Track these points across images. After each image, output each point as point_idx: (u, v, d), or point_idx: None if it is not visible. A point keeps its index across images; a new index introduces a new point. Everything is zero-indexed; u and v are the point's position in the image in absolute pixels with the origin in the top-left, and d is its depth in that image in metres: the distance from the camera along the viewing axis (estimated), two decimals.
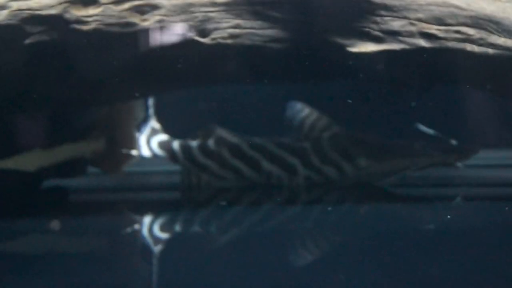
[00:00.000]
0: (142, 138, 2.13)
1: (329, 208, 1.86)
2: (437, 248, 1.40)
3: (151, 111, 2.12)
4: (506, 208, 1.72)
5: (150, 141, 2.15)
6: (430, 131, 2.02)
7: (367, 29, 1.66)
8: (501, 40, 1.63)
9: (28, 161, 1.89)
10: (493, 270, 1.22)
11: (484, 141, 2.31)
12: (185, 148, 2.13)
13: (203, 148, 2.12)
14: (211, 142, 2.12)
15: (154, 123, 2.17)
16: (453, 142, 2.03)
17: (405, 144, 2.07)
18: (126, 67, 1.73)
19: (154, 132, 2.16)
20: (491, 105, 2.00)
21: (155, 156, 2.15)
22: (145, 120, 2.13)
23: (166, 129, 2.18)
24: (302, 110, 2.11)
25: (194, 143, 2.14)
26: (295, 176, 2.08)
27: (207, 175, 2.12)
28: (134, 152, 2.04)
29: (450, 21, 1.64)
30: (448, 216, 1.72)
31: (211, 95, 2.32)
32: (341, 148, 2.07)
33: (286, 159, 2.08)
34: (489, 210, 1.79)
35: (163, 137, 2.16)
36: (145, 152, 2.14)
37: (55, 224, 1.68)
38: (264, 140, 2.12)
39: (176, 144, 2.15)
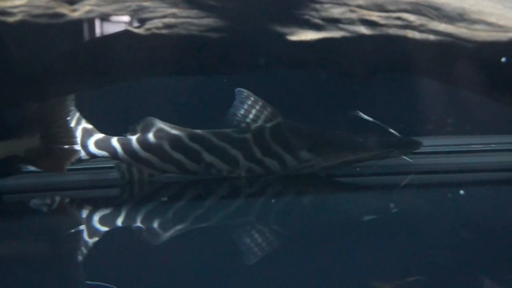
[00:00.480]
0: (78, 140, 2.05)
1: (272, 201, 1.82)
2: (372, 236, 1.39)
3: (77, 113, 2.05)
4: (449, 195, 1.73)
5: (86, 143, 2.07)
6: (369, 119, 1.98)
7: (306, 17, 1.61)
8: (441, 26, 1.61)
9: None
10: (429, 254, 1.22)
11: (427, 128, 2.32)
12: (125, 144, 2.07)
13: (142, 142, 2.06)
14: (150, 135, 2.06)
15: (85, 124, 2.10)
16: (395, 133, 2.00)
17: (347, 137, 2.04)
18: (56, 61, 1.65)
19: (87, 132, 2.09)
20: (434, 92, 1.98)
21: (93, 156, 2.08)
22: (75, 122, 2.06)
23: (99, 127, 2.10)
24: (248, 98, 2.05)
25: (133, 138, 2.07)
26: (237, 168, 2.04)
27: (148, 169, 2.07)
28: (76, 147, 1.95)
29: (390, 7, 1.61)
30: (391, 204, 1.71)
31: (148, 88, 2.25)
32: (283, 140, 2.02)
33: (227, 151, 2.03)
34: (432, 196, 1.79)
35: (99, 136, 2.09)
36: (82, 154, 2.07)
37: None
38: (205, 132, 2.07)
39: (114, 141, 2.08)
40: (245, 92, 2.04)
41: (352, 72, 1.72)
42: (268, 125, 2.04)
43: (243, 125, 2.04)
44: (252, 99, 2.04)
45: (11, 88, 1.70)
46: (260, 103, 2.04)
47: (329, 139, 2.04)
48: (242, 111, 2.04)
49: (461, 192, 1.80)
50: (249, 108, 2.04)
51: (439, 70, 1.70)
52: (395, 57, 1.67)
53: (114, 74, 1.75)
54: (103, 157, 2.08)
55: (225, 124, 2.04)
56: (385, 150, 1.98)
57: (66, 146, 1.92)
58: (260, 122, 2.05)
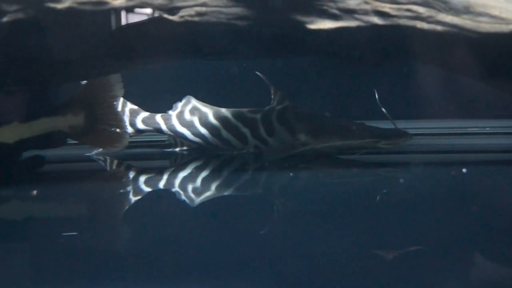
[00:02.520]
0: (126, 120, 2.34)
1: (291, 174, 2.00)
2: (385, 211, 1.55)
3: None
4: (452, 172, 1.88)
5: (134, 121, 2.37)
6: (380, 105, 2.14)
7: (325, 7, 1.77)
8: (448, 18, 1.76)
9: (7, 134, 1.99)
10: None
11: (433, 112, 2.49)
12: (166, 119, 2.36)
13: (180, 117, 2.34)
14: (186, 112, 2.33)
15: (130, 106, 2.38)
16: (394, 123, 2.17)
17: (343, 125, 2.21)
18: (99, 44, 1.83)
19: (134, 112, 2.38)
20: (440, 79, 2.13)
21: (140, 132, 2.38)
22: (122, 105, 2.34)
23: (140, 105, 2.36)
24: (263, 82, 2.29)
25: (173, 114, 2.36)
26: (246, 145, 2.27)
27: (184, 141, 2.36)
28: (123, 131, 2.17)
29: (401, 0, 1.77)
30: (401, 180, 1.87)
31: (183, 70, 2.49)
32: (286, 122, 2.23)
33: (240, 129, 2.26)
34: (436, 175, 1.95)
35: (145, 114, 2.38)
36: (131, 131, 2.37)
37: (33, 192, 1.81)
38: (227, 110, 2.32)
39: (158, 117, 2.37)
40: (261, 76, 2.27)
41: (364, 58, 1.88)
42: (278, 107, 2.26)
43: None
44: (265, 83, 2.28)
45: (57, 69, 1.90)
46: (272, 88, 2.28)
47: (326, 125, 2.22)
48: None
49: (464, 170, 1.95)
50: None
51: (445, 58, 1.85)
52: (405, 45, 1.83)
53: (147, 57, 1.94)
54: (149, 131, 2.39)
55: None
56: (372, 140, 2.15)
57: (113, 129, 2.12)
58: (272, 104, 2.29)
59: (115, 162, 2.26)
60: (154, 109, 2.37)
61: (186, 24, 1.78)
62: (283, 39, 1.84)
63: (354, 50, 1.85)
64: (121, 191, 1.85)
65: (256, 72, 2.24)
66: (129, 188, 1.90)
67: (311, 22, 1.79)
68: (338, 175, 1.96)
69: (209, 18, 1.79)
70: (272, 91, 2.27)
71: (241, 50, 1.90)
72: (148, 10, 1.83)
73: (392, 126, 2.15)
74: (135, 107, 2.38)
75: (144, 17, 1.85)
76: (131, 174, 2.12)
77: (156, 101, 2.39)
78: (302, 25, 1.79)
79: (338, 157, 2.24)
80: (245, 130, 2.26)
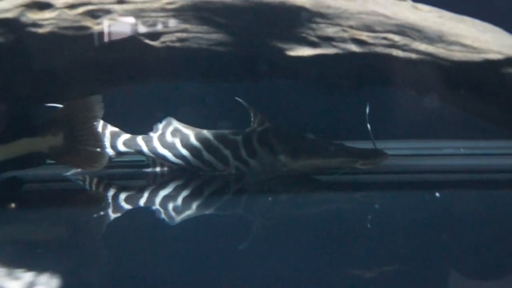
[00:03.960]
0: (106, 143, 2.34)
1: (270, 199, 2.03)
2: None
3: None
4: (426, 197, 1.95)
5: (115, 143, 2.37)
6: (367, 122, 2.18)
7: (304, 35, 1.82)
8: (422, 46, 1.82)
9: None
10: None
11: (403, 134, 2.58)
12: (148, 141, 2.36)
13: (161, 139, 2.35)
14: (167, 134, 2.35)
15: (111, 128, 2.39)
16: (374, 143, 2.20)
17: (321, 145, 2.24)
18: (81, 68, 1.85)
19: (115, 134, 2.38)
20: (413, 104, 2.19)
21: (121, 154, 2.38)
22: (102, 127, 2.34)
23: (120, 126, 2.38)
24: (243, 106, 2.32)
25: (154, 136, 2.36)
26: (228, 166, 2.28)
27: (166, 163, 2.36)
28: (103, 151, 2.18)
29: (378, 28, 1.82)
30: (376, 206, 1.92)
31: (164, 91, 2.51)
32: (267, 144, 2.26)
33: (221, 151, 2.28)
34: (411, 199, 2.01)
35: (126, 136, 2.39)
36: (112, 153, 2.37)
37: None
38: (208, 132, 2.34)
39: (139, 139, 2.37)
40: (240, 101, 2.30)
41: (342, 84, 1.93)
42: (259, 129, 2.29)
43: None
44: (246, 106, 2.30)
45: (38, 91, 1.90)
46: (252, 111, 2.31)
47: (305, 145, 2.25)
48: None
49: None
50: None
51: (419, 85, 1.91)
52: (381, 72, 1.88)
53: (130, 80, 1.97)
54: (130, 153, 2.39)
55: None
56: (350, 159, 2.18)
57: (92, 149, 2.13)
58: (253, 126, 2.31)
59: (94, 181, 2.26)
60: (134, 131, 2.39)
61: (167, 50, 1.81)
62: (262, 65, 1.88)
63: (332, 76, 1.90)
64: (101, 211, 1.87)
65: (236, 98, 2.27)
66: (109, 206, 1.91)
67: (291, 49, 1.83)
68: (315, 199, 1.98)
69: (190, 44, 1.82)
70: (252, 114, 2.31)
71: (222, 73, 1.94)
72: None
73: (372, 146, 2.20)
74: (116, 129, 2.39)
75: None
76: (111, 193, 2.13)
77: (137, 122, 2.41)
78: (281, 51, 1.83)
79: (316, 179, 2.27)
80: (227, 152, 2.28)
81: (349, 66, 1.86)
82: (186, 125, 2.37)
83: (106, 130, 2.37)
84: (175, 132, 2.35)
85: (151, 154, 2.35)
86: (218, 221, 1.74)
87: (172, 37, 1.81)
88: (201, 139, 2.31)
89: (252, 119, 2.31)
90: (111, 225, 1.71)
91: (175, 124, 2.36)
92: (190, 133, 2.33)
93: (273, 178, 2.21)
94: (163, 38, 1.81)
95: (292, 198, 2.03)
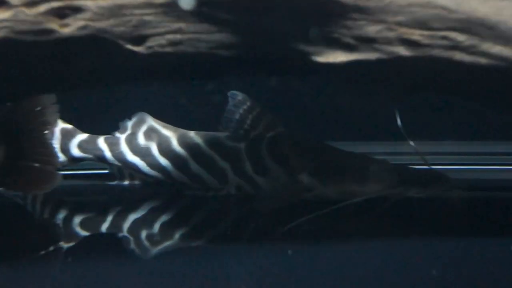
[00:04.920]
0: (56, 145, 1.83)
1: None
2: None
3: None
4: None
5: (67, 146, 1.85)
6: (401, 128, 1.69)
7: (336, 35, 1.36)
8: (496, 49, 1.36)
9: None
10: None
11: None
12: (113, 144, 1.83)
13: (130, 141, 1.82)
14: (140, 135, 1.82)
15: (62, 125, 1.86)
16: (426, 161, 1.68)
17: (360, 163, 1.71)
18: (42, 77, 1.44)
19: (68, 133, 1.86)
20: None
21: (77, 160, 1.86)
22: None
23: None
24: (244, 102, 1.75)
25: (122, 137, 1.83)
26: (225, 184, 1.74)
27: (137, 174, 1.83)
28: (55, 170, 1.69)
29: (436, 25, 1.35)
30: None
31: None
32: (281, 156, 1.72)
33: (216, 162, 1.75)
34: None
35: (83, 136, 1.86)
36: (63, 159, 1.85)
37: None
38: (197, 135, 1.80)
39: (101, 141, 1.84)
40: (240, 95, 1.75)
41: (385, 92, 1.49)
42: (268, 135, 1.75)
43: (239, 133, 1.75)
44: (248, 104, 1.75)
45: None
46: (258, 109, 1.75)
47: (336, 162, 1.71)
48: (237, 117, 1.74)
49: None
50: (246, 113, 1.74)
51: (490, 97, 1.46)
52: (439, 80, 1.43)
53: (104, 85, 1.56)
54: (88, 160, 1.86)
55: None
56: (401, 187, 1.64)
57: (42, 166, 1.63)
58: (258, 130, 1.75)
59: (39, 198, 1.78)
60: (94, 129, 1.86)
61: (155, 56, 1.39)
62: (281, 73, 1.45)
63: (373, 84, 1.46)
64: (49, 244, 1.46)
65: (232, 92, 1.75)
66: (59, 234, 1.51)
67: (319, 54, 1.38)
68: (353, 257, 1.42)
69: (185, 48, 1.39)
70: (257, 112, 1.74)
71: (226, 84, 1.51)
72: None
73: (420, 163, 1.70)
74: (69, 126, 1.85)
75: None
76: (61, 215, 1.69)
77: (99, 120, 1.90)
78: (306, 56, 1.39)
79: (357, 215, 1.67)
80: (224, 164, 1.74)
81: (395, 74, 1.42)
82: (165, 124, 1.81)
83: (56, 128, 1.82)
84: (151, 133, 1.80)
85: (117, 162, 1.81)
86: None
87: (162, 40, 1.38)
88: (188, 144, 1.76)
89: (252, 118, 1.74)
90: (64, 263, 1.33)
91: (151, 122, 1.81)
92: (172, 135, 1.79)
93: (292, 206, 1.66)
94: (149, 42, 1.37)
95: (325, 250, 1.47)
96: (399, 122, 1.68)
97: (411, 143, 1.66)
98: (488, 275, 1.30)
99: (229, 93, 1.75)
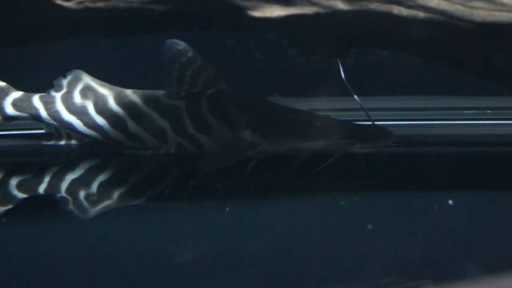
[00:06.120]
0: None
1: None
2: None
3: None
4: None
5: (1, 104, 1.78)
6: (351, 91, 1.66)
7: None
8: (433, 2, 1.34)
9: None
10: None
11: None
12: (48, 103, 1.77)
13: (66, 100, 1.76)
14: (75, 93, 1.76)
15: None
16: (370, 118, 1.66)
17: (303, 119, 1.65)
18: None
19: (2, 91, 1.79)
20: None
21: (10, 119, 1.79)
22: None
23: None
24: (184, 53, 1.67)
25: (57, 95, 1.77)
26: (165, 142, 1.70)
27: (74, 134, 1.78)
28: None
29: None
30: None
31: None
32: (223, 113, 1.67)
33: (155, 121, 1.69)
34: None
35: (17, 94, 1.79)
36: None
37: None
38: (135, 93, 1.74)
39: (36, 100, 1.78)
40: (182, 44, 1.66)
41: (324, 49, 1.46)
42: (209, 91, 1.69)
43: (178, 88, 1.68)
44: (189, 55, 1.66)
45: None
46: (199, 62, 1.67)
47: (279, 119, 1.66)
48: (177, 68, 1.66)
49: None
50: (186, 65, 1.67)
51: (426, 51, 1.45)
52: (376, 34, 1.41)
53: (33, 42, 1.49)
54: (23, 119, 1.81)
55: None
56: (344, 142, 1.60)
57: None
58: (198, 85, 1.68)
59: None
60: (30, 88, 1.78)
61: (85, 12, 1.33)
62: (214, 25, 1.41)
63: (311, 39, 1.43)
64: None
65: (172, 40, 1.64)
66: None
67: (254, 8, 1.34)
68: (291, 213, 1.40)
69: (117, 2, 1.33)
70: (198, 65, 1.65)
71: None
72: None
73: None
74: (2, 84, 1.79)
75: None
76: None
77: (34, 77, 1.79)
78: (241, 11, 1.34)
79: (299, 173, 1.64)
80: (163, 123, 1.69)
81: (334, 29, 1.39)
82: (102, 82, 1.76)
83: None
84: (87, 92, 1.74)
85: (52, 121, 1.77)
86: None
87: None
88: (125, 103, 1.71)
89: (192, 72, 1.65)
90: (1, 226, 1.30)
91: (86, 79, 1.76)
92: (108, 93, 1.74)
93: (235, 164, 1.62)
94: None
95: (262, 207, 1.45)
96: (343, 75, 1.66)
97: (356, 97, 1.64)
98: (425, 229, 1.31)
99: (167, 41, 1.67)
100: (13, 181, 1.57)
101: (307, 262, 1.13)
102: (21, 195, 1.49)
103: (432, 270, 1.10)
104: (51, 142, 1.82)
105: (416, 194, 1.52)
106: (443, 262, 1.14)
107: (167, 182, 1.64)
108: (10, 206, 1.43)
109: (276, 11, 1.34)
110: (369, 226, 1.27)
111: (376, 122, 1.72)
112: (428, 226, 1.32)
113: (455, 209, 1.40)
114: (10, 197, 1.47)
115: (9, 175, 1.65)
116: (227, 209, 1.39)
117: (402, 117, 2.12)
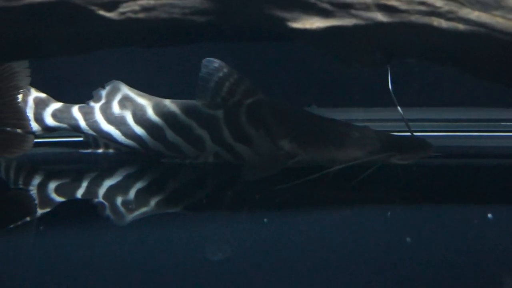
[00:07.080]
0: (29, 114, 1.80)
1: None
2: None
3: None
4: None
5: (41, 115, 1.82)
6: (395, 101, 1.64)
7: (312, 0, 1.34)
8: (474, 14, 1.34)
9: None
10: None
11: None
12: (87, 114, 1.81)
13: (105, 111, 1.79)
14: (114, 103, 1.79)
15: (35, 93, 1.83)
16: (409, 128, 1.63)
17: (341, 130, 1.65)
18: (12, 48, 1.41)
19: (42, 102, 1.83)
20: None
21: (50, 130, 1.83)
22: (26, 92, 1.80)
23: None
24: (220, 69, 1.70)
25: (96, 106, 1.80)
26: (203, 151, 1.71)
27: (112, 143, 1.80)
28: (31, 130, 1.69)
29: None
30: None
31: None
32: (261, 122, 1.68)
33: (193, 130, 1.71)
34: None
35: (57, 105, 1.83)
36: (37, 128, 1.82)
37: None
38: (173, 103, 1.76)
39: (75, 110, 1.81)
40: (216, 62, 1.70)
41: (361, 61, 1.46)
42: (247, 102, 1.71)
43: (218, 100, 1.71)
44: (225, 70, 1.70)
45: None
46: (236, 76, 1.70)
47: (317, 128, 1.66)
48: (213, 84, 1.70)
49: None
50: (223, 80, 1.70)
51: (469, 63, 1.44)
52: (417, 46, 1.41)
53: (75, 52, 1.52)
54: (63, 129, 1.84)
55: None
56: (383, 154, 1.58)
57: (13, 129, 1.64)
58: (236, 97, 1.71)
59: (12, 166, 1.75)
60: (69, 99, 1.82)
61: (127, 22, 1.35)
62: (256, 39, 1.43)
63: (350, 52, 1.43)
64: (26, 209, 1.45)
65: (207, 58, 1.69)
66: (34, 200, 1.50)
67: (294, 20, 1.35)
68: (330, 225, 1.40)
69: (158, 13, 1.36)
70: (234, 79, 1.69)
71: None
72: None
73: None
74: (43, 95, 1.82)
75: None
76: (36, 181, 1.66)
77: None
78: (282, 23, 1.36)
79: (337, 184, 1.63)
80: (202, 132, 1.70)
81: (373, 41, 1.39)
82: (140, 93, 1.78)
83: (29, 97, 1.80)
84: (125, 102, 1.77)
85: (91, 132, 1.80)
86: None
87: (135, 5, 1.34)
88: (163, 113, 1.72)
89: (228, 85, 1.69)
90: (39, 230, 1.33)
91: (125, 90, 1.78)
92: (147, 103, 1.75)
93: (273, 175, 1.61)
94: (122, 8, 1.34)
95: (295, 219, 1.43)
96: (390, 85, 1.64)
97: (399, 109, 1.63)
98: (463, 242, 1.30)
99: (204, 60, 1.71)
100: (51, 186, 1.59)
101: (345, 275, 1.13)
102: (59, 199, 1.51)
103: (471, 285, 1.10)
104: (89, 151, 1.85)
105: (454, 207, 1.51)
106: (481, 276, 1.13)
107: (205, 191, 1.64)
108: (48, 210, 1.45)
109: (316, 23, 1.35)
110: (408, 239, 1.26)
111: (414, 133, 1.70)
112: (466, 240, 1.31)
113: (494, 223, 1.38)
114: (48, 201, 1.49)
115: (47, 180, 1.67)
116: (265, 220, 1.39)
117: (441, 128, 2.11)
